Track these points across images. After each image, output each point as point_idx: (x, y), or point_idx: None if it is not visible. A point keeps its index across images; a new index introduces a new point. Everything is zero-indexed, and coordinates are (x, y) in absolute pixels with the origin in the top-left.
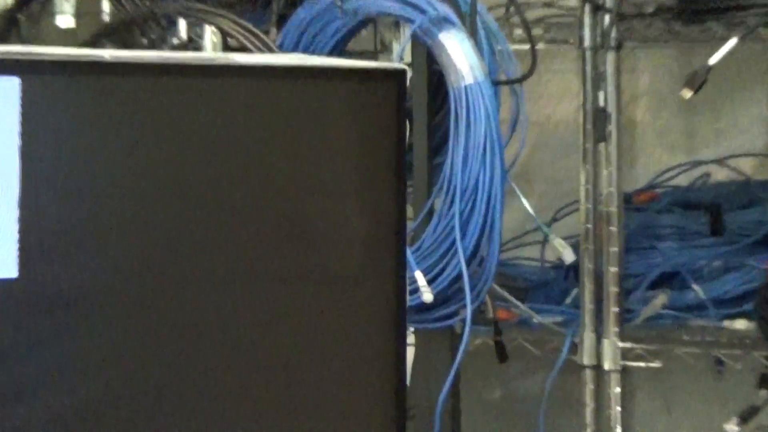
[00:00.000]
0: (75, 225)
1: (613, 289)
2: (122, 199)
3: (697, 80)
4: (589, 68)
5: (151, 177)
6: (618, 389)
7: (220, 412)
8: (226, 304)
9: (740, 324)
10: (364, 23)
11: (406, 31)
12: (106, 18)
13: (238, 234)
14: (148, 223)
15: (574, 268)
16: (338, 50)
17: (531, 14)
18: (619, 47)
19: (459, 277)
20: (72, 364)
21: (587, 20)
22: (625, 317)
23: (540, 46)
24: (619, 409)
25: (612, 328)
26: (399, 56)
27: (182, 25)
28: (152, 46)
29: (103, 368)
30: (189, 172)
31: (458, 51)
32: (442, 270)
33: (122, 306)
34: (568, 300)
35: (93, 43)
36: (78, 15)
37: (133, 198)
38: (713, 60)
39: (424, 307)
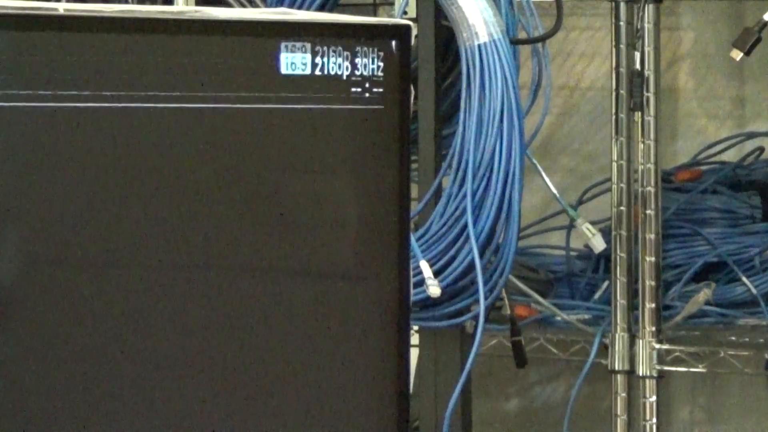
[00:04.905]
0: (22, 202)
1: (649, 283)
2: (75, 175)
3: (749, 39)
4: (623, 24)
5: (109, 149)
6: (654, 398)
7: (204, 419)
8: (199, 300)
9: None
10: None
11: None
12: None
13: (210, 219)
14: (107, 203)
15: (605, 258)
16: (331, 3)
17: None
18: None
19: (471, 267)
20: (49, 363)
21: None
22: (663, 315)
23: None
24: (655, 420)
25: (648, 328)
26: (402, 10)
27: None
28: None
29: (86, 365)
30: (154, 144)
31: (471, 4)
32: (452, 259)
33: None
34: (598, 295)
35: None
36: None
37: (89, 173)
38: None
39: (430, 303)
